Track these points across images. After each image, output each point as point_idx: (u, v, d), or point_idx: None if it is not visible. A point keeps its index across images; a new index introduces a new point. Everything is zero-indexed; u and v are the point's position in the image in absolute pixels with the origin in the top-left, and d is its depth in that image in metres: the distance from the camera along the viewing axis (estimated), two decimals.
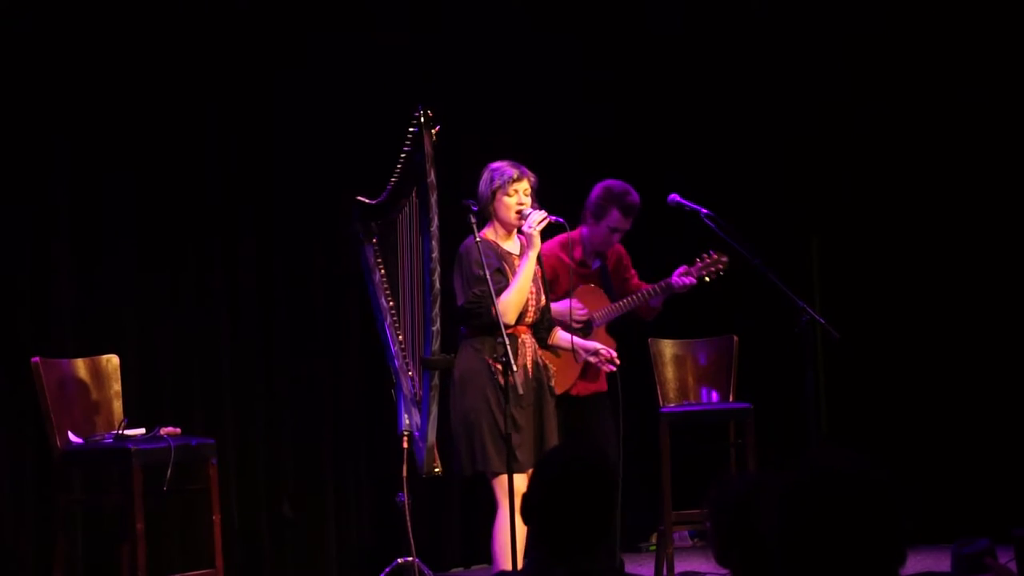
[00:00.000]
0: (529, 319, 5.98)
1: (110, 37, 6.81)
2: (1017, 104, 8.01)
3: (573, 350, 6.22)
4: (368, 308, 6.22)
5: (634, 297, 6.76)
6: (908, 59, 8.16)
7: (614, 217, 6.70)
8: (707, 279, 6.69)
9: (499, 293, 5.81)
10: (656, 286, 6.73)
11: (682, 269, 6.70)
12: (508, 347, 5.60)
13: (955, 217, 8.10)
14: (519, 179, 5.91)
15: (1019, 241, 8.03)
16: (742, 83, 8.40)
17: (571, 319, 6.30)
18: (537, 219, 5.90)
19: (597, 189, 6.76)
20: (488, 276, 5.77)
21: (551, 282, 6.50)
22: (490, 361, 5.79)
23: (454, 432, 5.88)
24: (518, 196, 5.91)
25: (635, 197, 6.72)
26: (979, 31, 8.07)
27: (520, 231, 5.95)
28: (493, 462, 5.73)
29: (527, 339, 5.98)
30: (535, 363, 5.96)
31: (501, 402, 5.73)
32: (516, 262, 5.96)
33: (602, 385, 6.78)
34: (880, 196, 8.21)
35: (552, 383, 6.01)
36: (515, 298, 5.89)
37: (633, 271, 6.91)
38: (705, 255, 6.68)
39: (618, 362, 6.24)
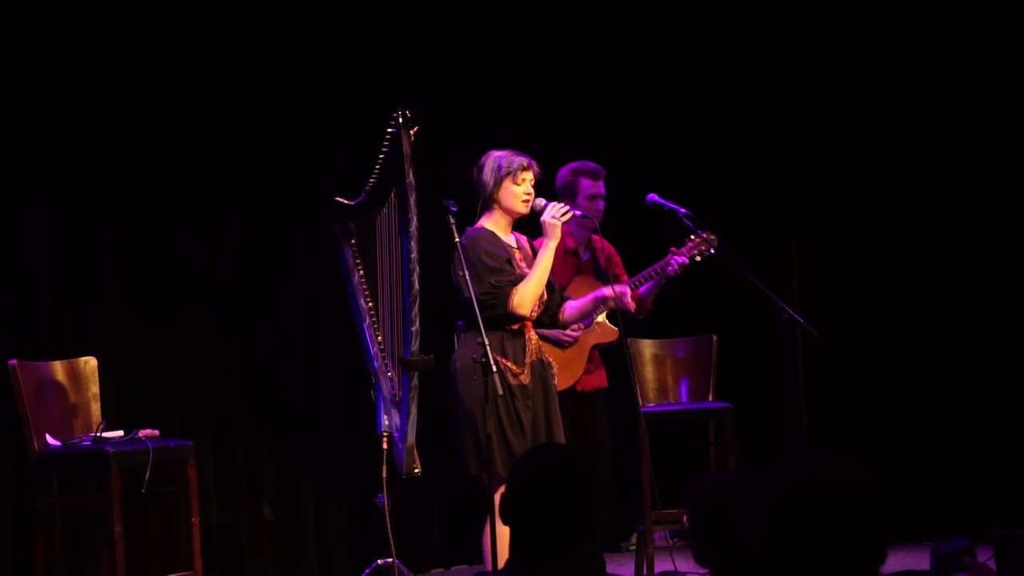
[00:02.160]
0: (534, 314, 5.93)
1: (89, 40, 6.80)
2: (996, 104, 8.03)
3: (594, 309, 6.27)
4: (347, 309, 6.20)
5: (629, 282, 6.75)
6: (888, 61, 8.17)
7: (585, 185, 6.71)
8: (698, 259, 6.67)
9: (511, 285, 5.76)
10: (650, 270, 6.72)
11: (672, 250, 6.70)
12: (488, 347, 5.56)
13: (934, 217, 8.12)
14: (527, 168, 5.85)
15: (998, 241, 8.05)
16: (723, 84, 8.40)
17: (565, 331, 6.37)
18: (560, 211, 5.85)
19: (559, 173, 6.76)
20: (502, 267, 5.74)
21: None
22: (497, 357, 5.65)
23: (454, 430, 5.79)
24: (526, 185, 5.86)
25: (593, 163, 6.76)
26: (961, 33, 8.09)
27: (535, 217, 5.88)
28: (499, 463, 5.66)
29: (533, 335, 5.92)
30: (540, 360, 5.91)
31: (508, 400, 5.68)
32: (516, 255, 5.93)
33: (603, 381, 6.79)
34: (860, 196, 8.23)
35: (555, 380, 5.97)
36: (533, 289, 5.79)
37: (623, 270, 6.90)
38: (694, 235, 6.66)
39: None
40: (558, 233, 5.85)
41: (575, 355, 6.66)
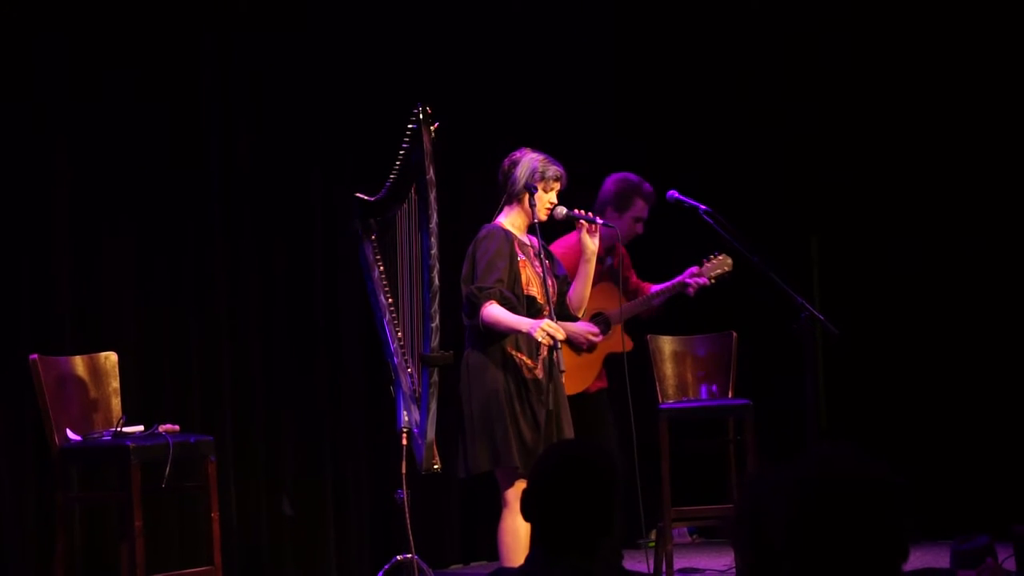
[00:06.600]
0: (546, 315, 5.94)
1: (102, 34, 6.81)
2: (1017, 100, 8.01)
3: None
4: (367, 305, 6.20)
5: (651, 295, 6.80)
6: (908, 57, 8.15)
7: (639, 206, 6.80)
8: (713, 281, 6.77)
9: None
10: (673, 284, 6.78)
11: (693, 269, 6.78)
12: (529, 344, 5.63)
13: (954, 215, 8.09)
14: (559, 179, 5.88)
15: (1020, 238, 8.02)
16: (741, 82, 8.39)
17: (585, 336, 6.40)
18: (593, 246, 5.91)
19: (613, 182, 6.83)
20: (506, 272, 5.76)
21: (570, 275, 6.51)
22: (514, 353, 5.74)
23: (466, 427, 5.82)
24: (552, 195, 5.89)
25: (650, 186, 6.83)
26: (981, 27, 8.06)
27: (576, 228, 5.98)
28: (516, 458, 5.69)
29: None
30: (550, 357, 5.92)
31: (522, 394, 5.70)
32: (530, 253, 5.94)
33: (605, 382, 6.82)
34: (881, 194, 8.21)
35: (562, 380, 5.98)
36: (581, 295, 6.00)
37: (633, 271, 6.95)
38: (712, 256, 6.76)
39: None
40: (592, 255, 5.93)
41: (589, 361, 6.67)
